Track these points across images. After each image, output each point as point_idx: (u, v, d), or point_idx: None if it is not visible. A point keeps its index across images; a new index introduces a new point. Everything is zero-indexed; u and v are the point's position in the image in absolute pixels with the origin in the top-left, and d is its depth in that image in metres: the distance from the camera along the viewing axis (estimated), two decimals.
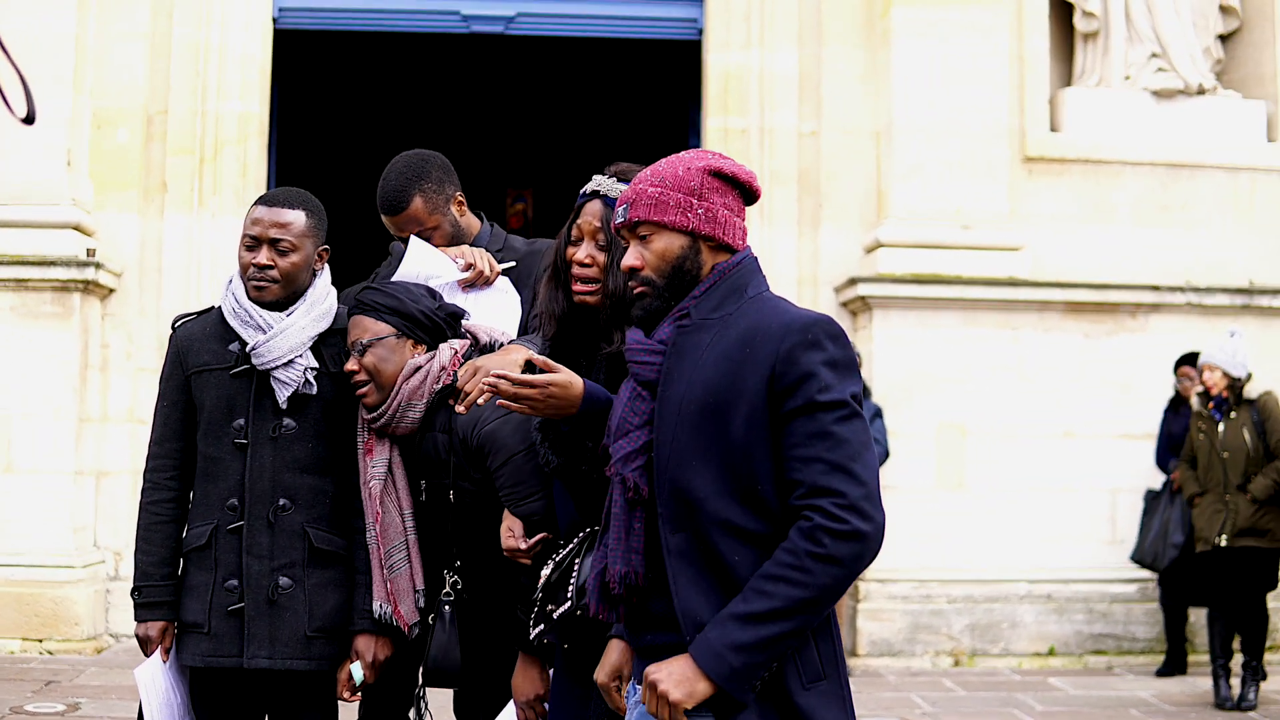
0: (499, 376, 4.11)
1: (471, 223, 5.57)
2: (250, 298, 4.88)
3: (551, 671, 4.49)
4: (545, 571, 4.31)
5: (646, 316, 3.77)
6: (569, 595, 4.13)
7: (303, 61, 13.93)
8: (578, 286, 4.39)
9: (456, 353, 4.88)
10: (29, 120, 4.05)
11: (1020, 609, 11.63)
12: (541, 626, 4.29)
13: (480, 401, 4.59)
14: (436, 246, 5.34)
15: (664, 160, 3.86)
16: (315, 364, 4.86)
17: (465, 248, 5.29)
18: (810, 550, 3.43)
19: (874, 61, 12.11)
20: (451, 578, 4.92)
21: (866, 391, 11.25)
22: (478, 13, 12.44)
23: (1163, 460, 11.54)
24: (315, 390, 4.86)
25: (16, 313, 11.06)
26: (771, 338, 3.59)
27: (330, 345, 4.92)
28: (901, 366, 11.64)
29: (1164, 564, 10.99)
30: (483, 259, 5.27)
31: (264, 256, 4.86)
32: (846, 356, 3.59)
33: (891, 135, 11.81)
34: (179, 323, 5.10)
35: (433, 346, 4.91)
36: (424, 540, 4.94)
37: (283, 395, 4.82)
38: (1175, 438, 11.29)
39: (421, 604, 4.90)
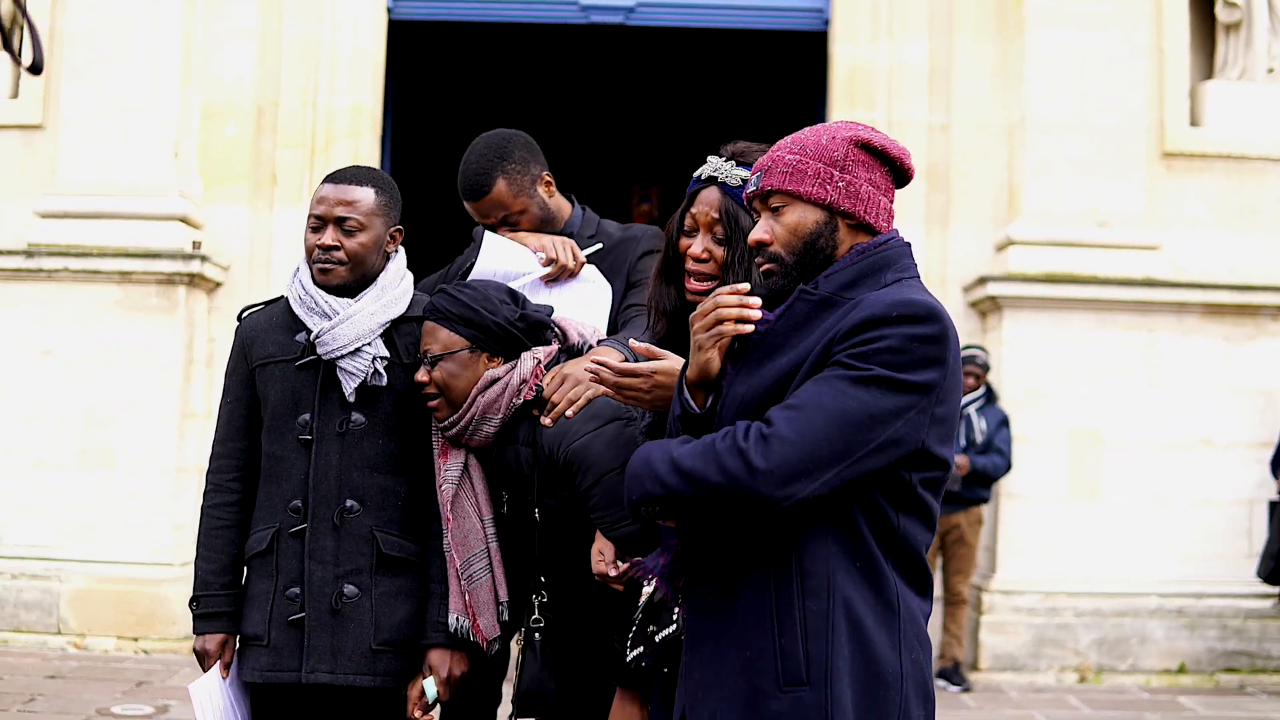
0: (599, 363, 3.84)
1: (562, 205, 5.21)
2: (316, 282, 4.53)
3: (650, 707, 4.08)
4: (648, 589, 3.94)
5: (771, 296, 3.41)
6: (675, 617, 3.76)
7: (418, 52, 13.72)
8: (692, 284, 4.04)
9: (540, 363, 4.51)
10: (35, 70, 3.74)
11: (1150, 624, 11.13)
12: (640, 649, 3.91)
13: (569, 414, 4.23)
14: (524, 231, 5.01)
15: (808, 128, 3.52)
16: (385, 353, 4.48)
17: (545, 238, 4.93)
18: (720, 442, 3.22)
19: (1006, 53, 11.65)
20: (540, 600, 4.54)
21: (993, 397, 10.90)
22: (597, 2, 12.13)
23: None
24: (385, 382, 4.49)
25: (121, 306, 10.86)
26: (859, 312, 3.26)
27: (404, 334, 4.55)
28: (1032, 369, 11.20)
29: (1263, 574, 10.64)
30: (565, 249, 4.90)
31: (329, 237, 4.51)
32: (921, 347, 3.24)
33: (1025, 129, 11.35)
34: (246, 313, 4.77)
35: (512, 356, 4.53)
36: (508, 556, 4.56)
37: (349, 386, 4.46)
38: None
39: (505, 617, 4.52)
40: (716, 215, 3.99)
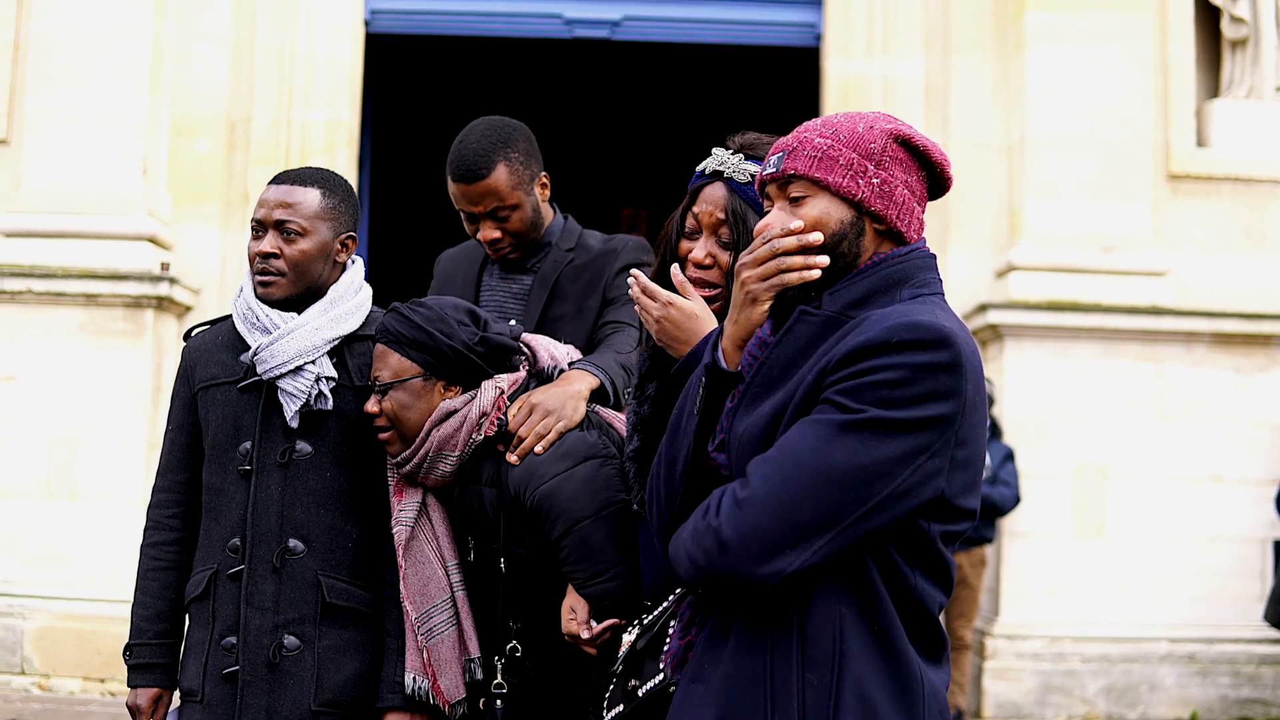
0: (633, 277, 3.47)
1: (548, 212, 4.81)
2: (258, 295, 4.09)
3: None
4: (628, 637, 3.49)
5: (779, 307, 2.98)
6: (663, 666, 3.26)
7: (397, 67, 13.32)
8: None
9: (503, 393, 4.05)
10: None
11: (1160, 670, 10.64)
12: (620, 708, 3.41)
13: (537, 450, 3.79)
14: (514, 231, 4.63)
15: (840, 113, 3.07)
16: (332, 373, 4.03)
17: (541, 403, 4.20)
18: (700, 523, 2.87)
19: (1006, 71, 11.25)
20: (502, 661, 4.08)
21: (997, 431, 10.43)
22: (582, 16, 11.72)
23: None
24: (330, 405, 4.04)
25: (86, 330, 10.40)
26: (856, 335, 2.81)
27: (358, 354, 4.11)
28: (1035, 401, 10.74)
29: (1271, 618, 10.09)
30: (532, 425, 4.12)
31: (268, 243, 4.07)
32: (927, 378, 2.77)
33: (1025, 150, 10.93)
34: (194, 331, 4.33)
35: (472, 384, 4.07)
36: (475, 609, 4.10)
37: (290, 409, 4.01)
38: None
39: (478, 675, 4.05)
40: (722, 216, 3.56)
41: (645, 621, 3.46)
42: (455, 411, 4.00)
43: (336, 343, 4.09)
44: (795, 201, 3.00)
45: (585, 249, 4.78)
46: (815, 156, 2.99)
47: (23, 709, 9.61)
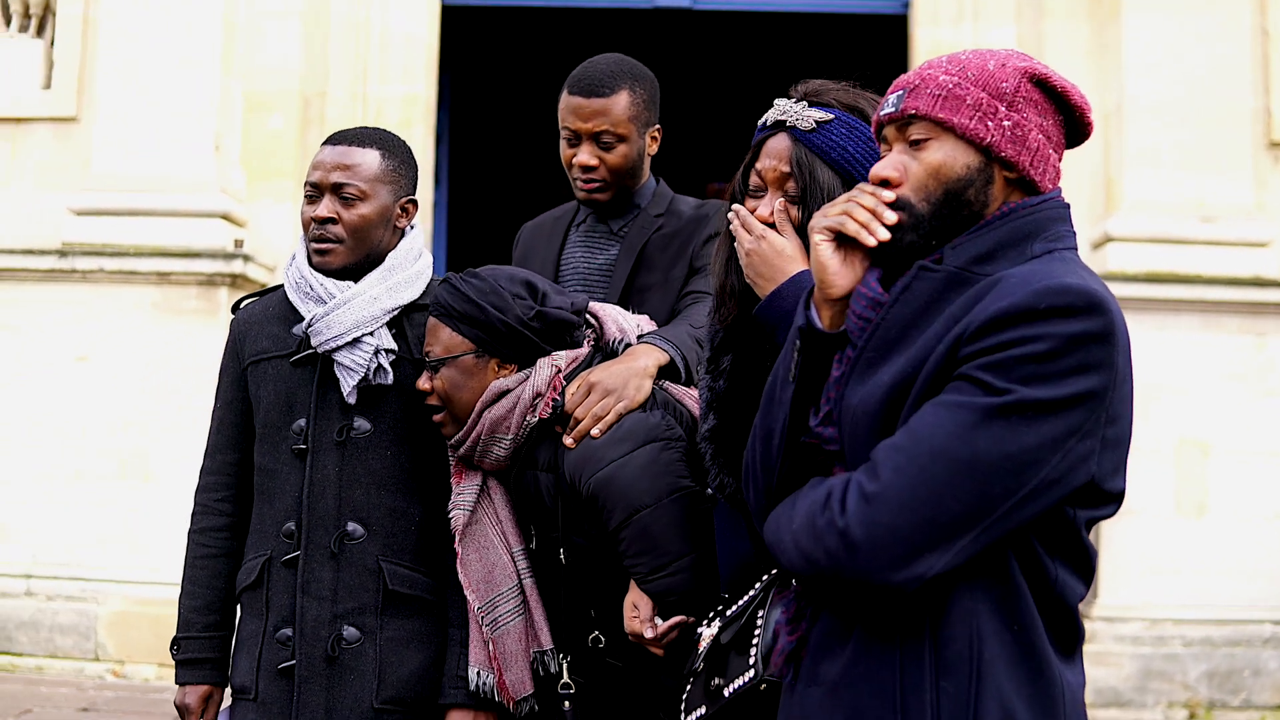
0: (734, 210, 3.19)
1: (646, 170, 4.57)
2: (313, 264, 3.82)
3: None
4: (707, 631, 3.18)
5: (895, 253, 2.68)
6: (752, 661, 2.97)
7: (474, 41, 13.07)
8: None
9: (559, 371, 3.75)
10: None
11: (1264, 654, 10.21)
12: (702, 710, 3.11)
13: (594, 433, 3.50)
14: (613, 166, 4.38)
15: (968, 50, 2.76)
16: (392, 345, 3.76)
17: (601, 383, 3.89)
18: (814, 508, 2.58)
19: (1101, 36, 10.83)
20: (567, 660, 3.78)
21: None
22: None
23: None
24: (391, 380, 3.77)
25: (159, 309, 10.20)
26: (994, 299, 2.48)
27: (419, 324, 3.84)
28: (1135, 376, 10.25)
29: None
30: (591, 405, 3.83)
31: (325, 207, 3.81)
32: (1078, 350, 2.45)
33: (1122, 117, 10.52)
34: (243, 303, 4.08)
35: (528, 361, 3.78)
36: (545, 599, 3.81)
37: (348, 385, 3.74)
38: None
39: (554, 669, 3.76)
40: (787, 169, 3.23)
41: (729, 613, 3.17)
42: (508, 392, 3.74)
43: (396, 313, 3.83)
44: (915, 145, 2.72)
45: (675, 215, 4.53)
46: (939, 95, 2.70)
47: (95, 697, 9.40)
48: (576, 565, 3.74)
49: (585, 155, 4.39)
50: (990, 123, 2.66)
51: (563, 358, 3.80)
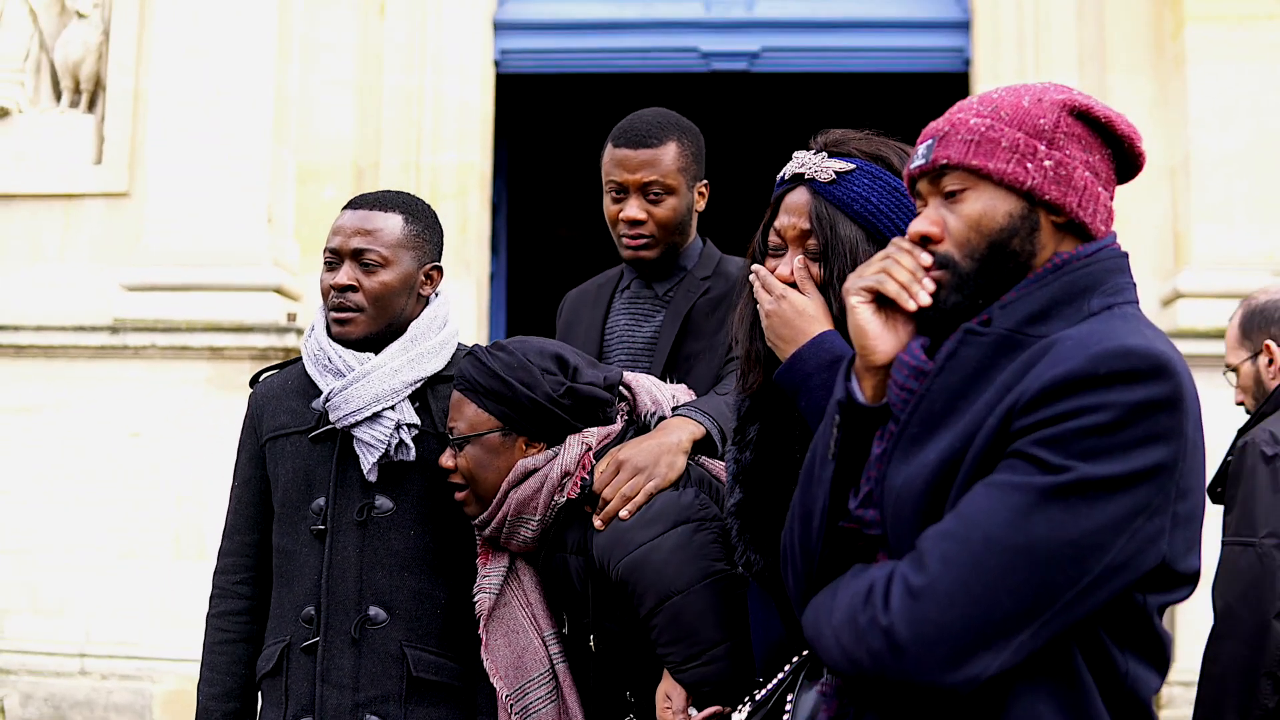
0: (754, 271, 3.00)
1: (692, 227, 4.39)
2: (333, 335, 3.65)
3: None
4: (737, 718, 2.97)
5: (939, 315, 2.45)
6: None
7: (529, 108, 12.94)
8: None
9: (589, 449, 3.54)
10: None
11: None
12: None
13: (623, 515, 3.29)
14: (661, 221, 4.22)
15: (1000, 88, 2.55)
16: (415, 420, 3.58)
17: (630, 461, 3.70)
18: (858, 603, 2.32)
19: (1165, 89, 10.62)
20: None
21: None
22: (718, 49, 11.26)
23: None
24: (414, 456, 3.58)
25: (213, 384, 10.07)
26: (1049, 365, 2.24)
27: (443, 396, 3.65)
28: (1205, 437, 9.97)
29: None
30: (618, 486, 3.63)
31: (345, 275, 3.63)
32: (1144, 420, 2.20)
33: (1189, 170, 10.29)
34: (262, 377, 3.91)
35: (557, 439, 3.57)
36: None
37: (368, 461, 3.56)
38: None
39: None
40: (807, 225, 3.04)
41: (759, 698, 2.97)
42: (535, 471, 3.54)
43: (419, 385, 3.65)
44: (951, 197, 2.51)
45: (723, 276, 4.33)
46: (972, 140, 2.49)
47: None
48: (609, 652, 3.55)
49: (633, 209, 4.23)
50: (1030, 164, 2.45)
51: (593, 435, 3.62)
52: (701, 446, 3.66)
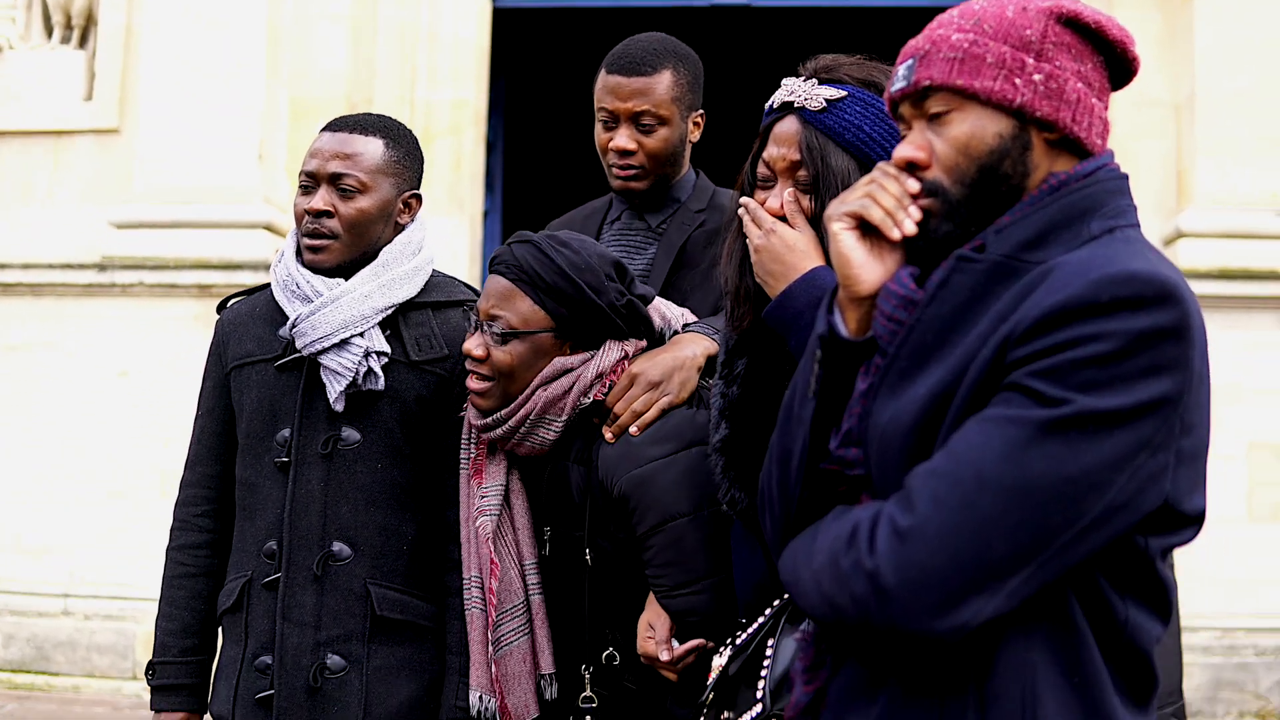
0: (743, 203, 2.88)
1: (685, 159, 4.27)
2: (305, 261, 3.52)
3: None
4: (718, 661, 2.89)
5: (929, 245, 2.29)
6: (759, 695, 2.69)
7: (526, 44, 12.80)
8: None
9: (627, 356, 3.42)
10: None
11: None
12: None
13: (633, 430, 3.17)
14: (651, 151, 4.08)
15: None
16: (384, 347, 3.45)
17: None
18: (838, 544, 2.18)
19: (1172, 25, 10.45)
20: (590, 671, 3.44)
21: None
22: None
23: None
24: (383, 385, 3.45)
25: (201, 322, 9.94)
26: (1046, 292, 2.09)
27: (415, 324, 3.53)
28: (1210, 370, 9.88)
29: None
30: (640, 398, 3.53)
31: (321, 199, 3.50)
32: (1149, 349, 2.05)
33: (1194, 108, 10.15)
34: (230, 302, 3.79)
35: (590, 346, 3.43)
36: (553, 612, 3.49)
37: (335, 390, 3.44)
38: None
39: (551, 695, 3.45)
40: (797, 156, 2.92)
41: (738, 642, 2.86)
42: (569, 370, 3.40)
43: (389, 312, 3.52)
44: (936, 119, 2.35)
45: (718, 210, 4.19)
46: (955, 58, 2.32)
47: (131, 716, 9.21)
48: (601, 571, 3.43)
49: (623, 139, 4.11)
50: (1018, 80, 2.29)
51: (630, 345, 3.49)
52: (709, 366, 3.55)
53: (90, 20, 10.57)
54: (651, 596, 3.33)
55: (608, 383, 3.41)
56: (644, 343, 3.54)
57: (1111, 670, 2.18)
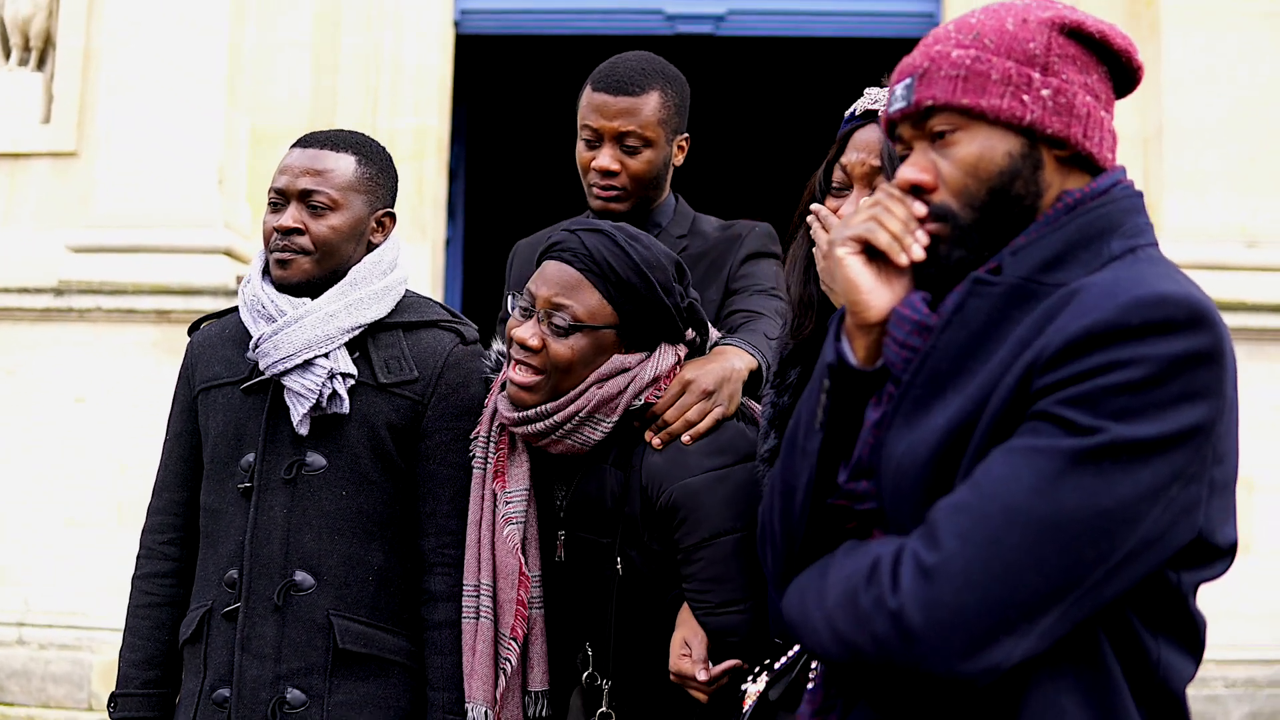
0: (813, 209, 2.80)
1: (667, 185, 4.17)
2: (274, 279, 3.41)
3: None
4: (752, 688, 2.84)
5: (940, 272, 2.21)
6: None
7: (489, 70, 12.71)
8: None
9: (680, 362, 3.33)
10: None
11: None
12: None
13: (685, 439, 3.08)
14: (635, 174, 3.98)
15: (977, 12, 2.28)
16: (350, 369, 3.33)
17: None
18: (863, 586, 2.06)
19: (1140, 58, 10.38)
20: (608, 684, 3.32)
21: None
22: (684, 11, 11.06)
23: None
24: (347, 408, 3.33)
25: (160, 348, 9.76)
26: (1073, 316, 2.01)
27: (385, 345, 3.42)
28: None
29: None
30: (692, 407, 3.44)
31: (290, 217, 3.38)
32: (1182, 375, 1.97)
33: (1162, 140, 10.13)
34: (201, 324, 3.68)
35: (644, 348, 3.33)
36: (553, 625, 3.38)
37: (298, 413, 3.33)
38: None
39: (543, 715, 3.32)
40: (877, 163, 2.88)
41: (778, 666, 2.76)
42: (626, 370, 3.29)
43: (357, 332, 3.41)
44: (939, 140, 2.27)
45: (700, 235, 4.14)
46: (957, 76, 2.25)
47: None
48: (630, 582, 3.32)
49: (606, 159, 4.01)
50: (1026, 96, 2.22)
51: (683, 350, 3.41)
52: (753, 379, 3.48)
53: (48, 42, 10.46)
54: (685, 613, 3.23)
55: (659, 389, 3.31)
56: (686, 349, 3.45)
57: (1144, 715, 2.10)
